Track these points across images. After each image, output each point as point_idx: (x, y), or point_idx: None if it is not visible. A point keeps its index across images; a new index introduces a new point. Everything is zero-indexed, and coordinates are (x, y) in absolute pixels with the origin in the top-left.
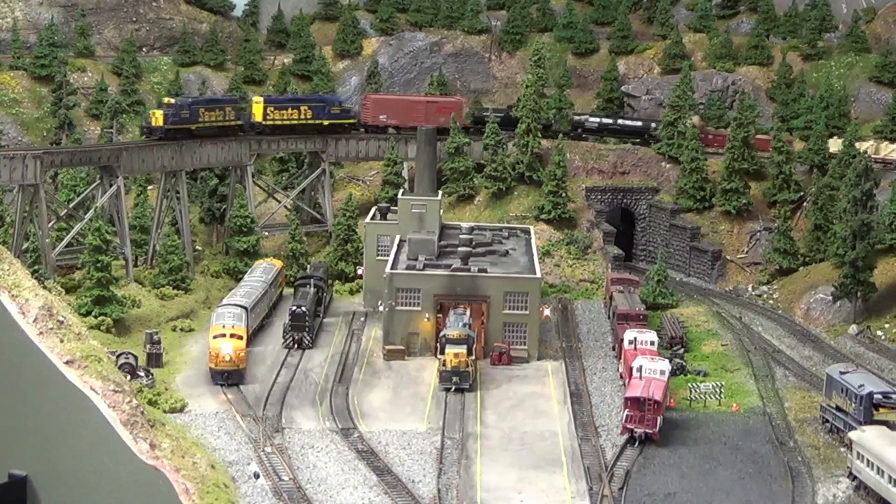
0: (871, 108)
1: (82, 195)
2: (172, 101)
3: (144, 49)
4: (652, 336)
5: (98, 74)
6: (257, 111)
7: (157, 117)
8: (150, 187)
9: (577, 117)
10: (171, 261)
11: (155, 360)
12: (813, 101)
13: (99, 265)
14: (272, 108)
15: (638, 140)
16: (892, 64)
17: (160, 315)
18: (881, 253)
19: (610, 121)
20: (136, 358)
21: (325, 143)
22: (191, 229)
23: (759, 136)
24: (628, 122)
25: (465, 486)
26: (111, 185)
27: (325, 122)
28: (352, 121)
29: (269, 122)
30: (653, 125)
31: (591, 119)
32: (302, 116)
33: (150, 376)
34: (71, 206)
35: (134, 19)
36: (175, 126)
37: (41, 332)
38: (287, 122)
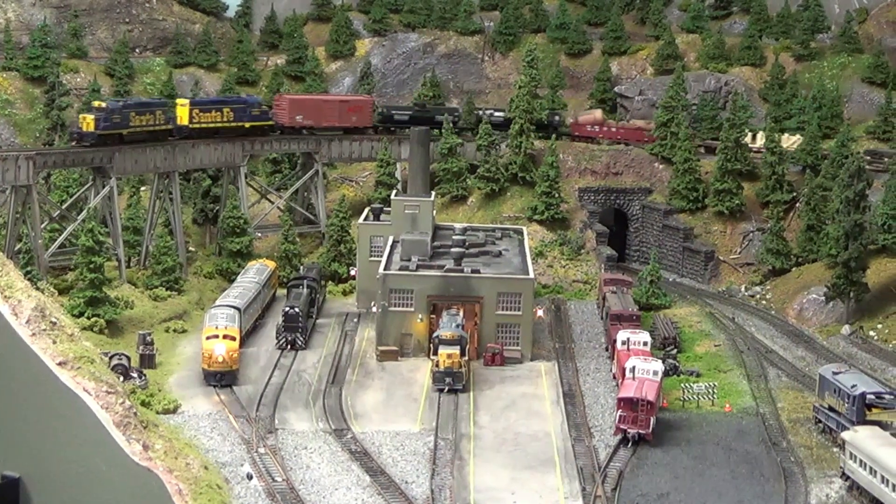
0: (864, 108)
1: (75, 196)
2: (103, 104)
3: (137, 50)
4: (645, 337)
5: (91, 75)
6: (183, 114)
7: (88, 122)
8: (142, 188)
9: (480, 112)
10: (163, 262)
11: (148, 361)
12: (806, 101)
13: (92, 266)
14: (198, 111)
15: (542, 135)
16: (885, 64)
17: (153, 316)
18: (874, 253)
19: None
20: (128, 359)
21: (319, 143)
22: (184, 230)
23: (632, 127)
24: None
25: (459, 487)
26: (104, 186)
27: (247, 125)
28: (271, 122)
29: (195, 126)
30: (556, 118)
31: (497, 114)
32: (224, 119)
33: (143, 377)
34: (64, 207)
35: (127, 20)
36: (106, 131)
37: (34, 334)
38: (211, 125)
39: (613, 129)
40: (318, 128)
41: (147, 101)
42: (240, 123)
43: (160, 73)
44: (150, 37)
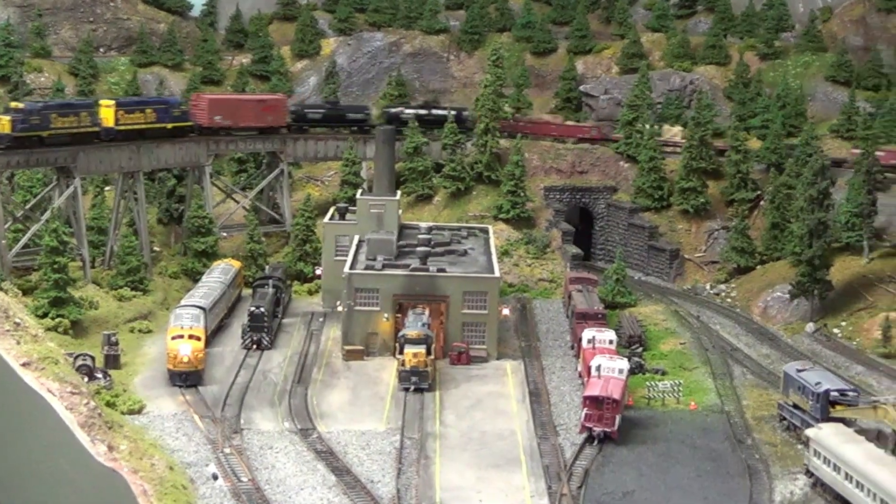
0: (828, 107)
1: (39, 196)
2: (21, 105)
3: (101, 49)
4: (610, 335)
5: (55, 75)
6: (108, 116)
7: (4, 124)
8: (107, 188)
9: (392, 110)
10: (128, 262)
11: (113, 361)
12: (770, 100)
13: (56, 266)
14: (123, 112)
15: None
16: (848, 63)
17: (118, 316)
18: (837, 251)
19: (425, 111)
20: (93, 359)
21: (284, 143)
22: (148, 230)
23: (541, 121)
24: (442, 112)
25: (425, 486)
26: (68, 186)
27: (169, 126)
28: (191, 123)
29: (121, 127)
30: (465, 113)
31: (407, 111)
32: (147, 120)
33: (108, 378)
34: (27, 207)
35: (91, 19)
36: (24, 133)
37: None
38: (136, 127)
39: (521, 124)
40: (235, 128)
41: (70, 103)
42: (162, 125)
43: (125, 72)
44: (114, 36)
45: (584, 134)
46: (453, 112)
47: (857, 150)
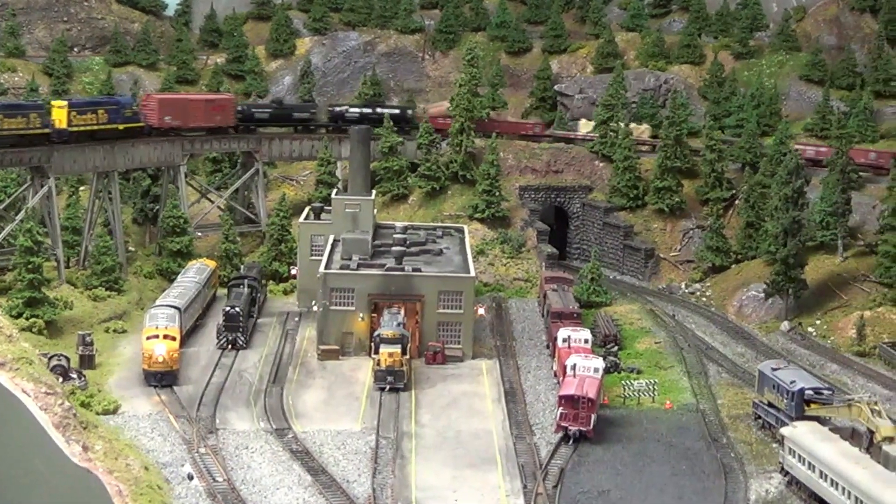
0: (802, 105)
1: (13, 196)
2: None
3: (76, 49)
4: (586, 334)
5: (29, 74)
6: (60, 117)
7: None
8: (81, 188)
9: (336, 109)
10: (103, 262)
11: (87, 361)
12: (744, 99)
13: (30, 267)
14: (76, 113)
15: (397, 127)
16: (822, 62)
17: (93, 316)
18: (812, 250)
19: (369, 110)
20: (68, 360)
21: (259, 142)
22: (123, 230)
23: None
24: (386, 111)
25: (400, 486)
26: (42, 186)
27: (120, 127)
28: (143, 124)
29: (74, 129)
30: (409, 112)
31: (352, 109)
32: (99, 121)
33: (83, 378)
34: (1, 207)
35: (65, 19)
36: None
37: None
38: (89, 128)
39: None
40: (185, 128)
41: (18, 104)
42: (113, 125)
43: (99, 72)
44: (88, 36)
45: (527, 130)
46: (397, 111)
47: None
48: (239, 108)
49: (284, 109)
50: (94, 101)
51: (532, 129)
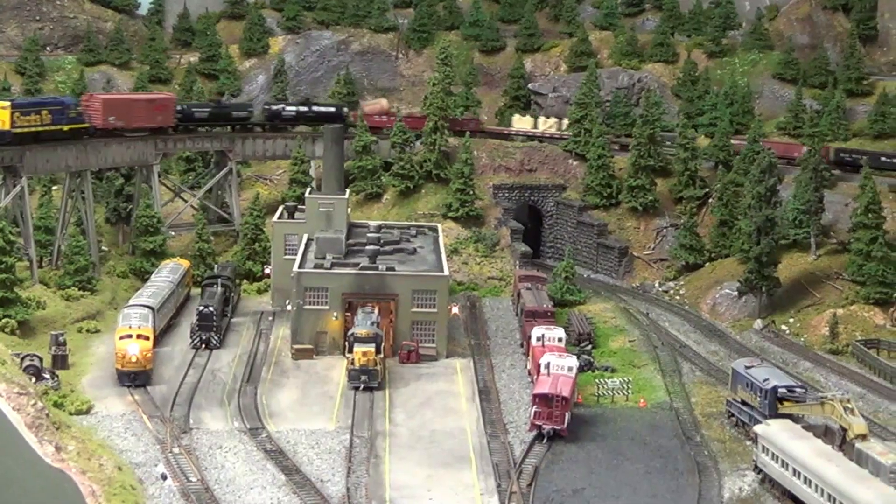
0: (775, 104)
1: None
2: None
3: (48, 48)
4: (559, 333)
5: (1, 74)
6: (4, 118)
7: None
8: (54, 187)
9: (273, 107)
10: (76, 261)
11: (60, 361)
12: (717, 98)
13: (2, 266)
14: (19, 114)
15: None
16: (795, 61)
17: (65, 316)
18: (785, 248)
19: (305, 108)
20: (41, 360)
21: (232, 141)
22: (96, 229)
23: (420, 115)
24: (322, 109)
25: (375, 485)
26: (15, 186)
27: (65, 128)
28: (87, 125)
29: (17, 130)
30: (344, 109)
31: (288, 108)
32: (43, 122)
33: (56, 378)
34: None
35: (37, 18)
36: None
37: None
38: (33, 129)
39: (407, 119)
40: (129, 129)
41: None
42: (58, 126)
43: (72, 71)
44: (61, 35)
45: (464, 126)
46: (332, 109)
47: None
48: (178, 108)
49: (223, 109)
50: (38, 101)
51: (469, 125)
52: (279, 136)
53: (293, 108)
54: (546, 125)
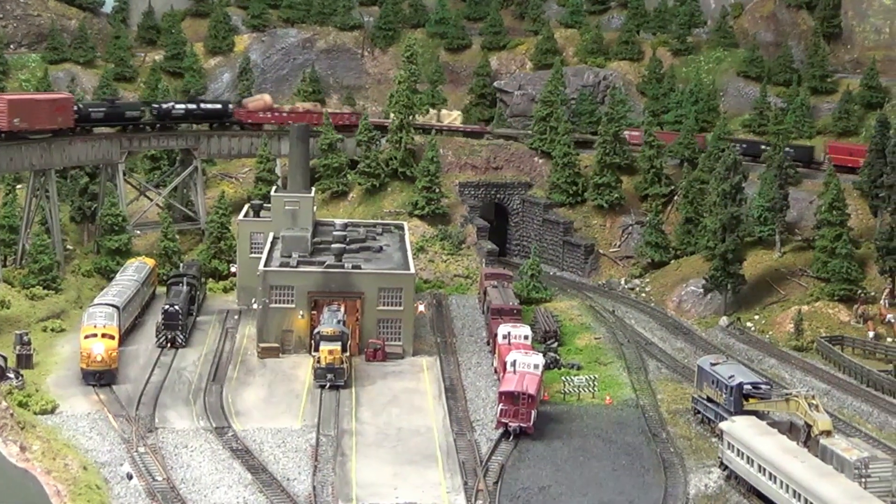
0: (740, 102)
1: None
2: None
3: (12, 46)
4: (526, 330)
5: None
6: None
7: None
8: (18, 186)
9: (163, 106)
10: (41, 260)
11: (25, 361)
12: (683, 95)
13: None
14: None
15: (216, 122)
16: (759, 59)
17: (30, 315)
18: (750, 245)
19: (194, 106)
20: (5, 359)
21: (198, 139)
22: (61, 228)
23: (302, 110)
24: (209, 106)
25: (341, 483)
26: None
27: None
28: None
29: None
30: (230, 106)
31: (178, 106)
32: None
33: (20, 378)
34: None
35: (0, 15)
36: None
37: None
38: None
39: (284, 114)
40: (32, 131)
41: None
42: None
43: (35, 69)
44: (24, 32)
45: (344, 121)
46: (218, 106)
47: None
48: (76, 108)
49: (117, 108)
50: None
51: (349, 119)
52: (245, 134)
53: (182, 107)
54: (450, 118)
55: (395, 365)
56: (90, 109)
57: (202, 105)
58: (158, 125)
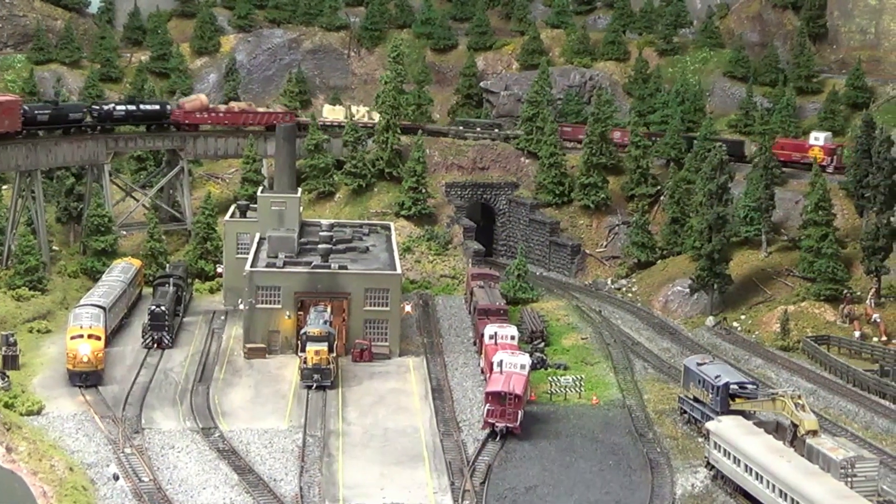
0: (726, 102)
1: None
2: None
3: None
4: (512, 331)
5: None
6: None
7: None
8: (4, 187)
9: (105, 107)
10: (26, 261)
11: (11, 362)
12: (669, 95)
13: None
14: None
15: (154, 124)
16: (745, 59)
17: (16, 316)
18: (736, 245)
19: (134, 107)
20: None
21: (184, 140)
22: (47, 229)
23: (237, 110)
24: (148, 107)
25: (328, 484)
26: None
27: None
28: None
29: None
30: (168, 106)
31: (119, 107)
32: None
33: (6, 379)
34: None
35: None
36: None
37: None
38: None
39: (220, 114)
40: None
41: None
42: None
43: (21, 70)
44: (10, 33)
45: (277, 120)
46: (157, 107)
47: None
48: (23, 111)
49: (60, 111)
50: None
51: (282, 118)
52: (231, 134)
53: (123, 108)
54: (359, 115)
55: (381, 365)
56: (36, 112)
57: (141, 106)
58: (99, 128)
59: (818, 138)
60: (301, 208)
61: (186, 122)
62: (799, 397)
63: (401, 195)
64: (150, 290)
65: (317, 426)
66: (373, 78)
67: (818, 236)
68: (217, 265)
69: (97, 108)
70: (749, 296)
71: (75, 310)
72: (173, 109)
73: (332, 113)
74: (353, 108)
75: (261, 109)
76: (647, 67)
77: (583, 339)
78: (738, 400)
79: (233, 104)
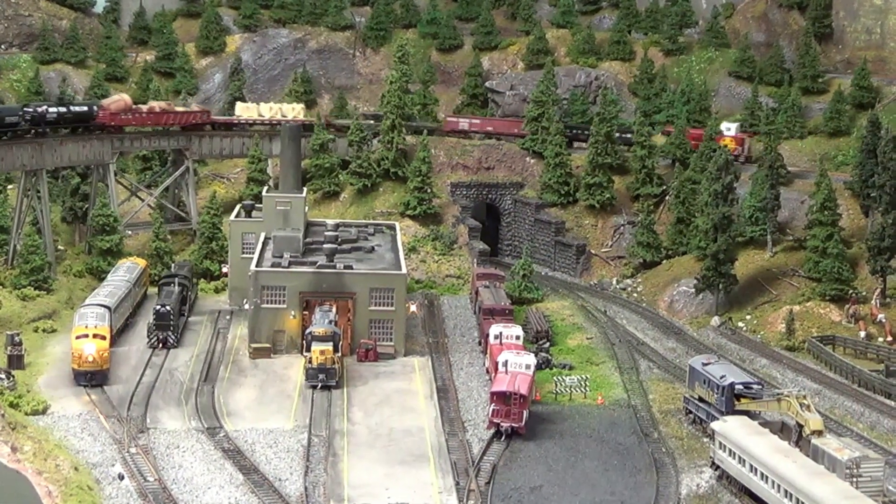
0: (731, 101)
1: None
2: None
3: (3, 46)
4: (517, 330)
5: None
6: None
7: None
8: (9, 186)
9: (38, 109)
10: (32, 261)
11: (16, 361)
12: (674, 95)
13: None
14: None
15: (80, 127)
16: (751, 59)
17: (21, 316)
18: (741, 245)
19: (65, 109)
20: None
21: (189, 140)
22: (52, 229)
23: (114, 111)
24: (77, 109)
25: (333, 484)
26: None
27: None
28: None
29: None
30: (94, 108)
31: (51, 110)
32: None
33: (11, 378)
34: None
35: None
36: None
37: None
38: None
39: (143, 115)
40: None
41: None
42: None
43: (27, 69)
44: (16, 33)
45: (195, 119)
46: (85, 108)
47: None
48: None
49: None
50: None
51: (199, 118)
52: (236, 134)
53: (55, 110)
54: (271, 112)
55: (386, 365)
56: None
57: (71, 108)
58: (33, 132)
59: (729, 129)
60: (306, 208)
61: (112, 123)
62: (804, 397)
63: (406, 195)
64: (156, 289)
65: (322, 426)
66: (378, 78)
67: (823, 236)
68: (222, 265)
69: (29, 110)
70: (754, 296)
71: (80, 309)
72: (98, 111)
73: (245, 111)
74: (263, 106)
75: (179, 109)
76: (653, 67)
77: (588, 339)
78: (743, 400)
79: (153, 104)
